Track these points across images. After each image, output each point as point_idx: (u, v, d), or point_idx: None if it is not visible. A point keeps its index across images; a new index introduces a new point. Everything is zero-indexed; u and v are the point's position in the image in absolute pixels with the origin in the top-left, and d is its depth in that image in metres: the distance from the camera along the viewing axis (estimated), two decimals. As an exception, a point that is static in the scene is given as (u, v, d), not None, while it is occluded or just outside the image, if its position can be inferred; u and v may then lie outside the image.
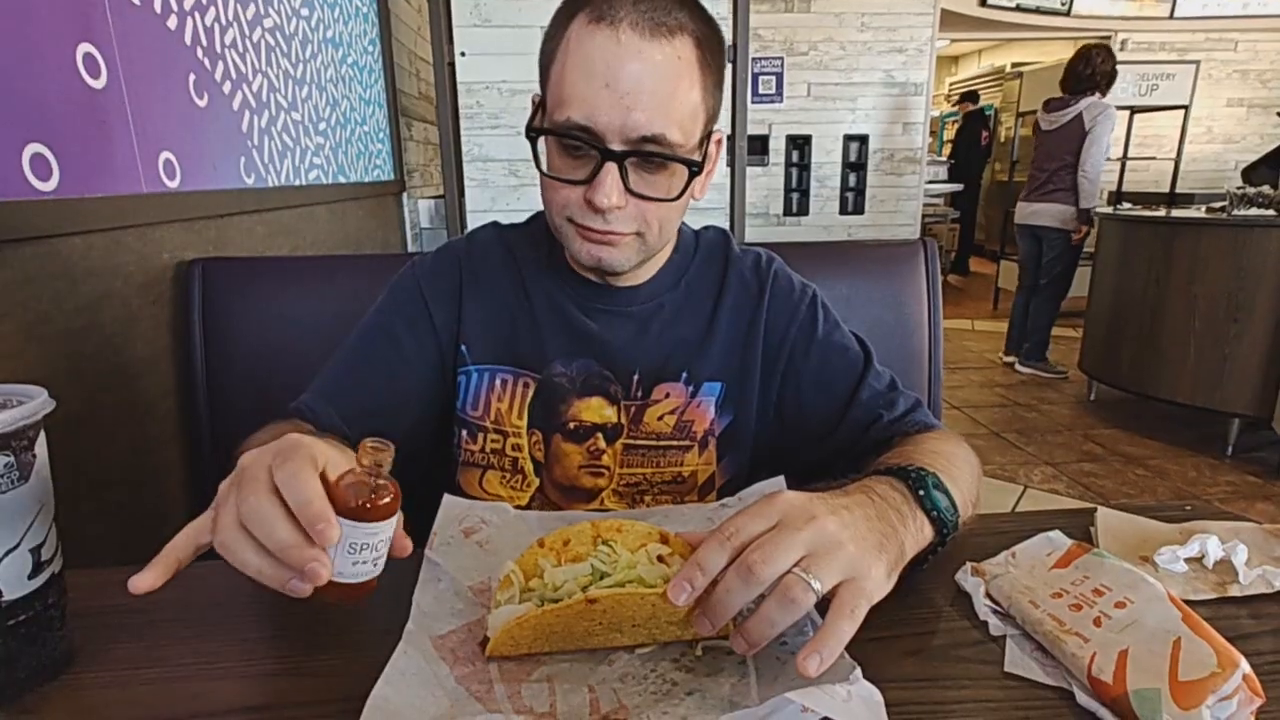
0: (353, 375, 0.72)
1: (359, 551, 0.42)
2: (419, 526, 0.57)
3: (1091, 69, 3.31)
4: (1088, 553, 0.50)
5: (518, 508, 0.73)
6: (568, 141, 0.62)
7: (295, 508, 0.39)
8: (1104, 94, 3.37)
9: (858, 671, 0.40)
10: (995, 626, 0.47)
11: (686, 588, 0.42)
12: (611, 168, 0.61)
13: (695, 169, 0.63)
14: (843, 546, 0.43)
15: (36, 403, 0.42)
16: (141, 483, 0.96)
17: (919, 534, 0.49)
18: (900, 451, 0.60)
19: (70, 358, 0.83)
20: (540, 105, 0.66)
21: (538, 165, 0.65)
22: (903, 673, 0.44)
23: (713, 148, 0.68)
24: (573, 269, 0.74)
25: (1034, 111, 3.85)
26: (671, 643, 0.47)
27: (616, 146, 0.60)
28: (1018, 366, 3.93)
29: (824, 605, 0.42)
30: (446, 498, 0.61)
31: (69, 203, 0.82)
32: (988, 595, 0.50)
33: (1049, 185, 3.51)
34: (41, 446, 0.43)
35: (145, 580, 0.40)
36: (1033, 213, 3.62)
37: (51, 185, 0.80)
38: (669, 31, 0.60)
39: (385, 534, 0.43)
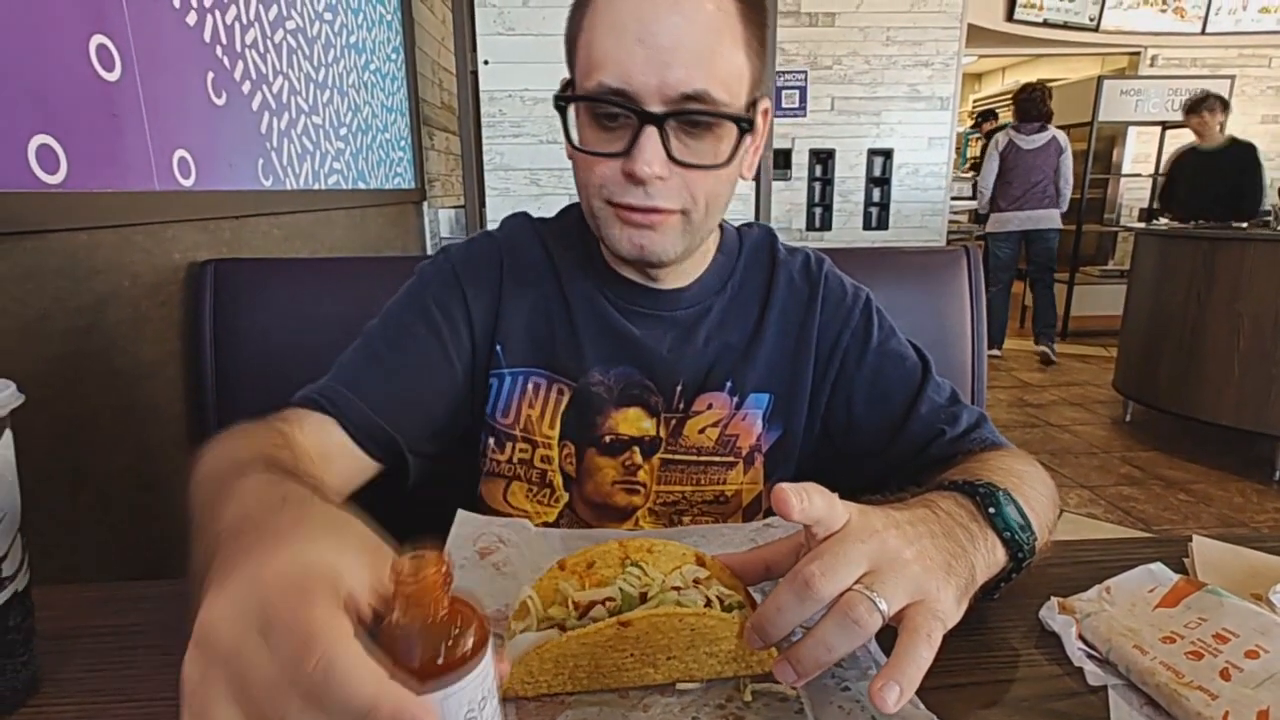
0: (381, 363, 0.63)
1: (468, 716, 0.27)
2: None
3: (1045, 107, 4.13)
4: (1200, 589, 0.43)
5: (544, 525, 0.67)
6: (600, 109, 0.56)
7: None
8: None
9: (939, 728, 0.34)
10: (1093, 675, 0.41)
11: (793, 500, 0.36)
12: (651, 132, 0.55)
13: (745, 126, 0.57)
14: (908, 564, 0.37)
15: (1, 395, 0.37)
16: (147, 490, 0.92)
17: (990, 556, 0.43)
18: (965, 468, 0.54)
19: (71, 358, 0.79)
20: (569, 85, 0.61)
21: (569, 140, 0.60)
22: (985, 728, 0.38)
23: (759, 118, 0.61)
24: (612, 269, 0.68)
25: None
26: (715, 681, 0.41)
27: (655, 108, 0.55)
28: (1050, 353, 4.42)
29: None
30: (460, 514, 0.55)
31: (75, 196, 0.78)
32: (1080, 637, 0.43)
33: (1044, 195, 4.17)
34: (6, 446, 0.38)
35: None
36: (1036, 218, 4.21)
37: (59, 178, 0.76)
38: None
39: (489, 678, 0.28)
